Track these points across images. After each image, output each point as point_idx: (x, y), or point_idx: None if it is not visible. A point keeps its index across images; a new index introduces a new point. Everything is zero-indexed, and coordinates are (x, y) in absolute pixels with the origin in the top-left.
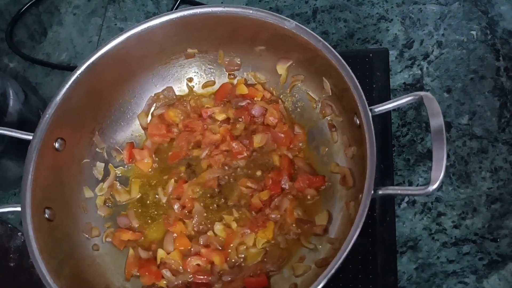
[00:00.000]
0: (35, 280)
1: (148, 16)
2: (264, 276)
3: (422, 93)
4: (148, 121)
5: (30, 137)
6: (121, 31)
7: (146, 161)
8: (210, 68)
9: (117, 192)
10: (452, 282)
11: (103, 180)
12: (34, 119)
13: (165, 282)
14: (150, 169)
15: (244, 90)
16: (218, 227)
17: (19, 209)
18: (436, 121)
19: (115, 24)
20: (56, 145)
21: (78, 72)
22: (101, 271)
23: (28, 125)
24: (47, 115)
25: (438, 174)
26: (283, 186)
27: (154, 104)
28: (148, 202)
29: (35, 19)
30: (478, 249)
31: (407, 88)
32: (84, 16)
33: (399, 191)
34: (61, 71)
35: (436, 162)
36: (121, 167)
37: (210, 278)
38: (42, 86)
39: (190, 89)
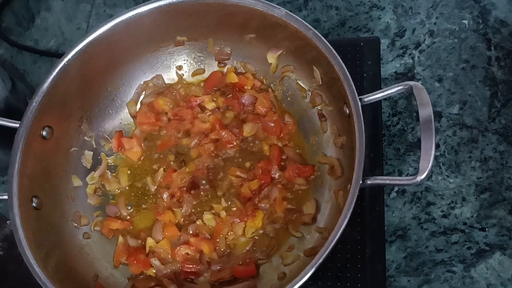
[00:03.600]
0: (24, 268)
1: (138, 2)
2: (253, 264)
3: (411, 82)
4: (137, 110)
5: (17, 125)
6: (110, 17)
7: (135, 150)
8: (199, 56)
9: (108, 181)
10: (440, 271)
11: (92, 169)
12: (22, 107)
13: (153, 270)
14: (139, 158)
15: (234, 78)
16: (207, 216)
17: (5, 197)
18: (425, 111)
19: (104, 11)
20: (44, 133)
21: (66, 59)
22: (89, 260)
23: (16, 112)
24: (34, 103)
25: (427, 164)
26: (272, 175)
27: (143, 92)
28: (137, 191)
29: (22, 5)
30: (466, 238)
31: (398, 77)
32: (72, 2)
33: (387, 181)
34: (49, 58)
35: (424, 152)
36: (113, 156)
37: (199, 267)
38: (30, 73)
39: (180, 77)
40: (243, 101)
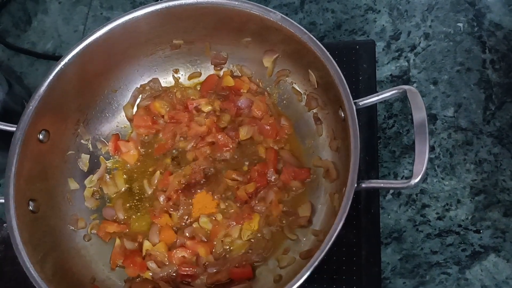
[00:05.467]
0: (21, 269)
1: (135, 5)
2: (249, 267)
3: (406, 87)
4: (134, 113)
5: (14, 129)
6: (107, 20)
7: (131, 153)
8: (196, 60)
9: (106, 185)
10: (435, 273)
11: (89, 172)
12: (19, 109)
13: (150, 273)
14: (136, 161)
15: (230, 82)
16: (203, 219)
17: (2, 201)
18: (419, 115)
19: (101, 13)
20: (40, 136)
21: (63, 63)
22: (86, 262)
23: (13, 115)
24: (30, 107)
25: (421, 168)
26: (268, 178)
27: (140, 96)
28: (134, 194)
29: (19, 7)
30: (461, 241)
31: (394, 80)
32: (69, 5)
33: (382, 185)
34: (46, 60)
35: (418, 156)
36: (111, 160)
37: (195, 269)
38: (27, 75)
39: (176, 80)
40: (240, 104)
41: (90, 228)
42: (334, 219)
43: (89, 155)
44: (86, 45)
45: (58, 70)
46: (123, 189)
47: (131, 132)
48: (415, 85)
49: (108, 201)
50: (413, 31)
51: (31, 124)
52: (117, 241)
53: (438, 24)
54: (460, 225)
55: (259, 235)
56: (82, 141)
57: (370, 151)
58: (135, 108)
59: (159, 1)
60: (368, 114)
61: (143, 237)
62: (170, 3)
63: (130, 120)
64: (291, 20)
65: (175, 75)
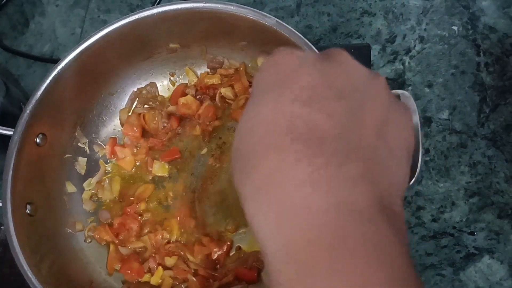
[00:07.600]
0: (19, 272)
1: (132, 9)
2: (255, 271)
3: (399, 91)
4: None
5: (11, 133)
6: (105, 23)
7: (128, 159)
8: (192, 63)
9: (102, 189)
10: (430, 274)
11: (86, 175)
12: (16, 112)
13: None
14: (132, 167)
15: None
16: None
17: None
18: (413, 119)
19: (98, 16)
20: (37, 140)
21: (60, 66)
22: (83, 265)
23: (10, 118)
24: (27, 111)
25: (413, 172)
26: None
27: (137, 99)
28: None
29: (17, 10)
30: (455, 242)
31: (389, 83)
32: (66, 7)
33: None
34: (43, 63)
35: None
36: (110, 163)
37: None
38: (24, 78)
39: (173, 83)
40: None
41: (88, 230)
42: None
43: (86, 158)
44: (83, 49)
45: (55, 74)
46: (118, 195)
47: (125, 137)
48: (410, 88)
49: (105, 203)
50: (408, 34)
51: (28, 128)
52: (111, 247)
53: (433, 27)
54: (454, 227)
55: None
56: (79, 144)
57: None
58: (131, 113)
59: (156, 5)
60: None
61: None
62: (167, 8)
63: (123, 125)
64: (286, 24)
65: (172, 79)
